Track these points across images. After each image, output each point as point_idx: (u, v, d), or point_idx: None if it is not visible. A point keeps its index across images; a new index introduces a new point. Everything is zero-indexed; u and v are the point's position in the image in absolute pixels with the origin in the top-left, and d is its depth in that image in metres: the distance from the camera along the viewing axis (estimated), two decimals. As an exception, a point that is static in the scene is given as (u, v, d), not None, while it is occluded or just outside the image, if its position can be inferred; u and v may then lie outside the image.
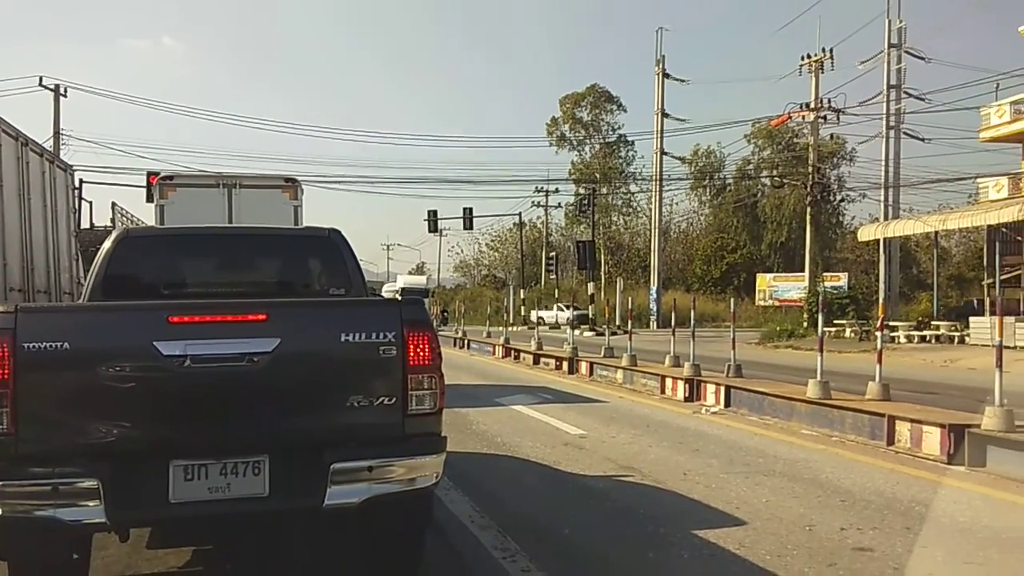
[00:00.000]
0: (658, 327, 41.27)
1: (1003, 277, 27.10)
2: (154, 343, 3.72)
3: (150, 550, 5.15)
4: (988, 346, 17.53)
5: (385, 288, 47.44)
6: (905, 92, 35.56)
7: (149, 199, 14.18)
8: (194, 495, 3.77)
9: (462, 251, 77.25)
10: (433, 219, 48.77)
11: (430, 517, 4.62)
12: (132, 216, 26.79)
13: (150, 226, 11.32)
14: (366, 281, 6.10)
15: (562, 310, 42.44)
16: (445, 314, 47.82)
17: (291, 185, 12.23)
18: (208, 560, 5.21)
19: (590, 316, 41.44)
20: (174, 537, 5.27)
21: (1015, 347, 20.69)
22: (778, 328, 32.01)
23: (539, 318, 41.63)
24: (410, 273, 76.67)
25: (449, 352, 23.98)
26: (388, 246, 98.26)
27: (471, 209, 48.72)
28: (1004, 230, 27.47)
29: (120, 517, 3.72)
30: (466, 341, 29.09)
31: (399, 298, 5.04)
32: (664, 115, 47.05)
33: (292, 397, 3.97)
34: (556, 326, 42.89)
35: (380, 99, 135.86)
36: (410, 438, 4.03)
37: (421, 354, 4.04)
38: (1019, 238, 25.64)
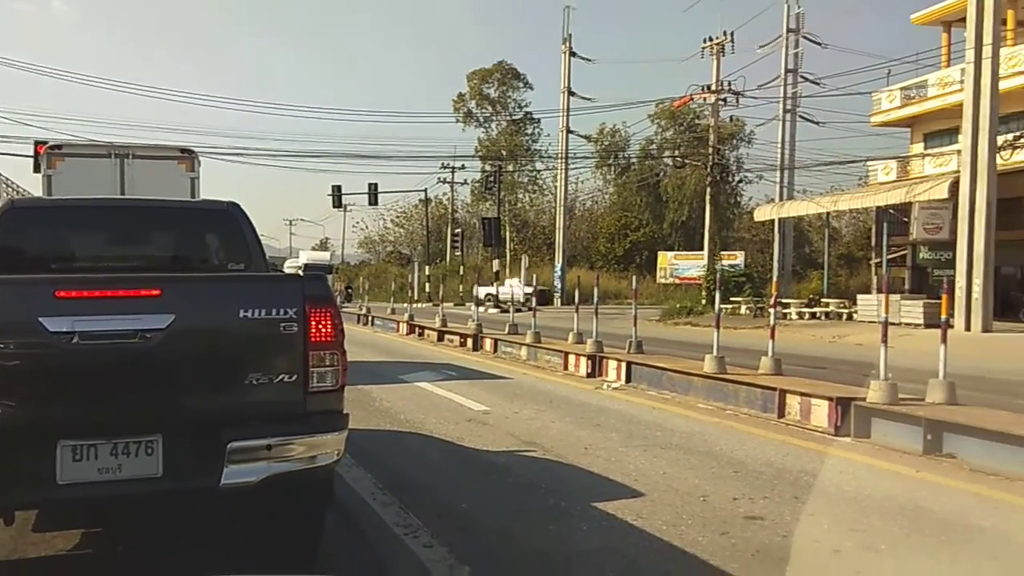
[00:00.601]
0: (562, 304, 41.72)
1: (890, 257, 28.40)
2: (40, 319, 3.57)
3: (37, 533, 4.96)
4: (874, 322, 18.35)
5: (287, 264, 46.58)
6: (801, 76, 36.76)
7: (36, 169, 13.50)
8: (83, 476, 3.65)
9: (367, 227, 76.30)
10: (337, 194, 48.15)
11: (331, 495, 4.59)
12: (17, 187, 25.53)
13: (37, 197, 10.82)
14: (267, 257, 5.98)
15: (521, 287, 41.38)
16: (349, 291, 47.23)
17: (187, 156, 11.84)
18: (99, 542, 5.06)
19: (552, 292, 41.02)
20: (63, 519, 5.09)
21: (900, 323, 21.72)
22: (678, 305, 32.77)
23: (488, 296, 38.03)
24: (313, 249, 75.36)
25: (352, 329, 23.72)
26: (291, 221, 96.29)
27: (376, 184, 48.24)
28: (892, 211, 28.70)
29: (4, 500, 3.58)
30: (370, 318, 28.83)
31: (301, 274, 4.96)
32: (570, 93, 47.35)
33: (187, 375, 3.87)
34: (504, 307, 36.29)
35: (283, 71, 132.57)
36: (311, 416, 3.98)
37: (323, 331, 3.98)
38: (905, 219, 26.83)
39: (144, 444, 3.72)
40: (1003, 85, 23.23)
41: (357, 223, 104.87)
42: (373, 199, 49.15)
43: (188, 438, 3.78)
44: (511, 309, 19.91)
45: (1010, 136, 25.85)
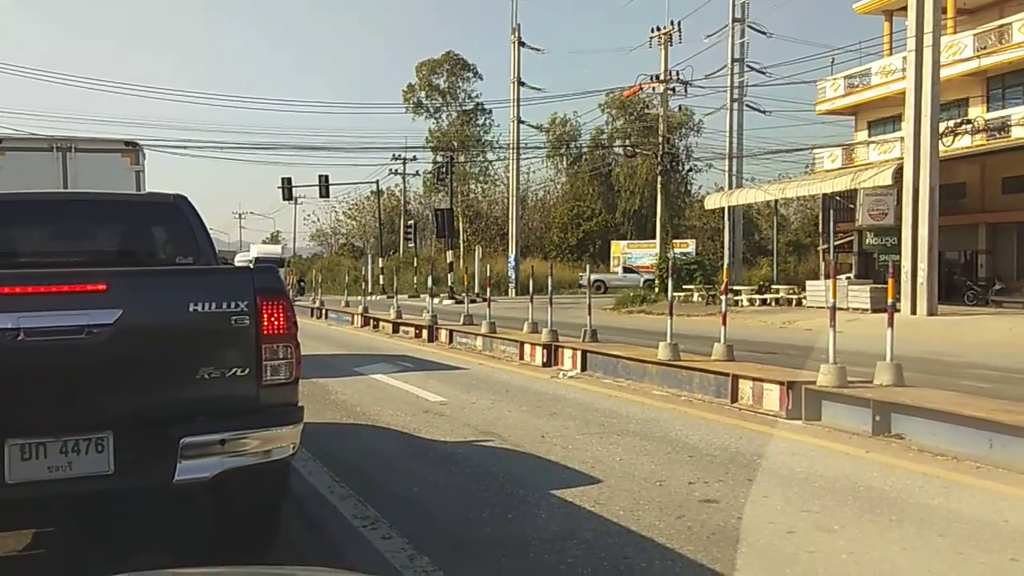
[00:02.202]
0: (517, 294, 41.79)
1: (837, 243, 28.88)
2: None
3: (-15, 535, 4.84)
4: (823, 308, 18.66)
5: (238, 257, 45.77)
6: (748, 65, 37.15)
7: (-26, 164, 13.15)
8: (33, 475, 3.57)
9: (318, 220, 75.74)
10: (287, 187, 47.58)
11: (286, 489, 4.55)
12: (-45, 182, 24.91)
13: None
14: (217, 250, 5.89)
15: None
16: (302, 284, 46.83)
17: (132, 149, 11.60)
18: (50, 542, 4.96)
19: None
20: (13, 519, 4.97)
21: (848, 308, 22.12)
22: (631, 294, 32.99)
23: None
24: (264, 242, 74.34)
25: (306, 322, 23.55)
26: (240, 214, 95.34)
27: (327, 177, 47.81)
28: (838, 198, 29.19)
29: None
30: (324, 311, 28.62)
31: (252, 266, 4.90)
32: (520, 83, 47.33)
33: (137, 370, 3.80)
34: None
35: (230, 62, 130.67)
36: (265, 409, 3.94)
37: (275, 323, 3.94)
38: (851, 206, 27.28)
39: (94, 441, 3.65)
40: (944, 73, 23.71)
41: (308, 216, 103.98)
42: (324, 191, 48.71)
43: (139, 434, 3.72)
44: (466, 300, 19.90)
45: (951, 123, 26.42)
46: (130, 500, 4.91)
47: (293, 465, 4.76)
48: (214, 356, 3.90)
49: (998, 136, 26.71)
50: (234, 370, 3.90)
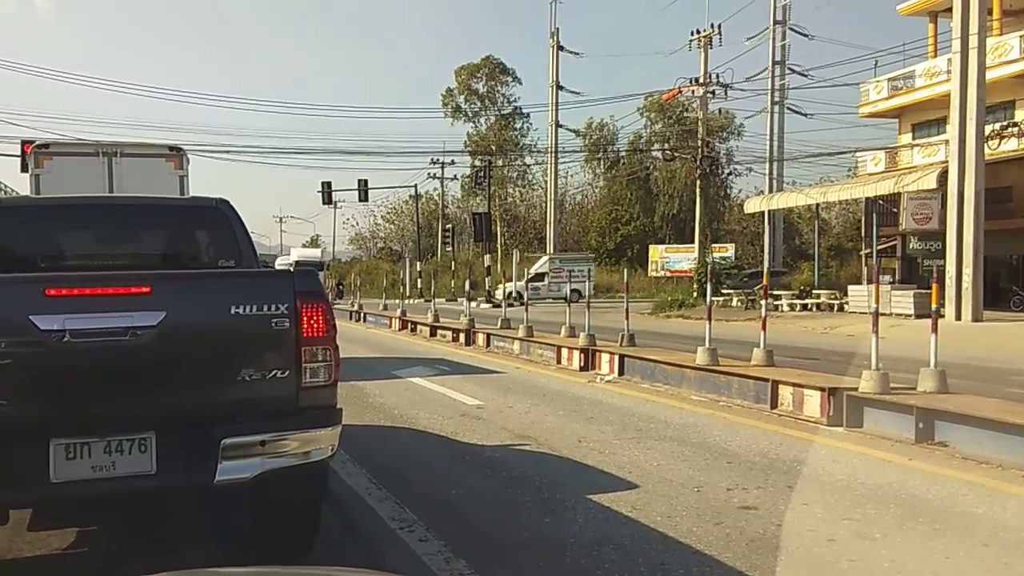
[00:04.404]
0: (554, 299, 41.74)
1: (880, 247, 28.44)
2: (30, 317, 3.55)
3: (32, 532, 4.94)
4: (865, 313, 18.42)
5: (278, 261, 46.39)
6: (789, 68, 36.89)
7: (24, 169, 13.42)
8: (77, 474, 3.63)
9: (357, 223, 76.32)
10: (327, 191, 48.02)
11: (325, 490, 4.59)
12: (6, 187, 25.47)
13: (25, 196, 10.76)
14: (258, 254, 5.96)
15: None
16: (341, 287, 47.21)
17: (176, 154, 11.78)
18: (94, 540, 5.05)
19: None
20: (58, 518, 5.07)
21: (890, 314, 21.81)
22: (669, 298, 32.79)
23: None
24: (304, 246, 75.24)
25: (345, 325, 23.70)
26: (281, 219, 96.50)
27: (366, 181, 48.15)
28: (881, 202, 28.79)
29: None
30: (362, 314, 28.80)
31: (292, 270, 4.95)
32: (559, 87, 47.38)
33: (179, 372, 3.86)
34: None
35: (271, 67, 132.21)
36: (304, 411, 3.98)
37: (315, 326, 3.98)
38: (895, 210, 26.90)
39: (137, 441, 3.71)
40: (990, 75, 23.30)
41: (348, 220, 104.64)
42: (363, 195, 49.07)
43: (181, 435, 3.78)
44: (503, 304, 19.92)
45: (997, 125, 25.94)
46: (172, 500, 4.98)
47: (332, 467, 4.80)
48: (255, 358, 3.95)
49: (1046, 139, 26.16)
50: (274, 372, 3.94)
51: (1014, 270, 28.82)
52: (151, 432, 3.73)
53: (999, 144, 25.71)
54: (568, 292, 36.36)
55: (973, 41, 21.84)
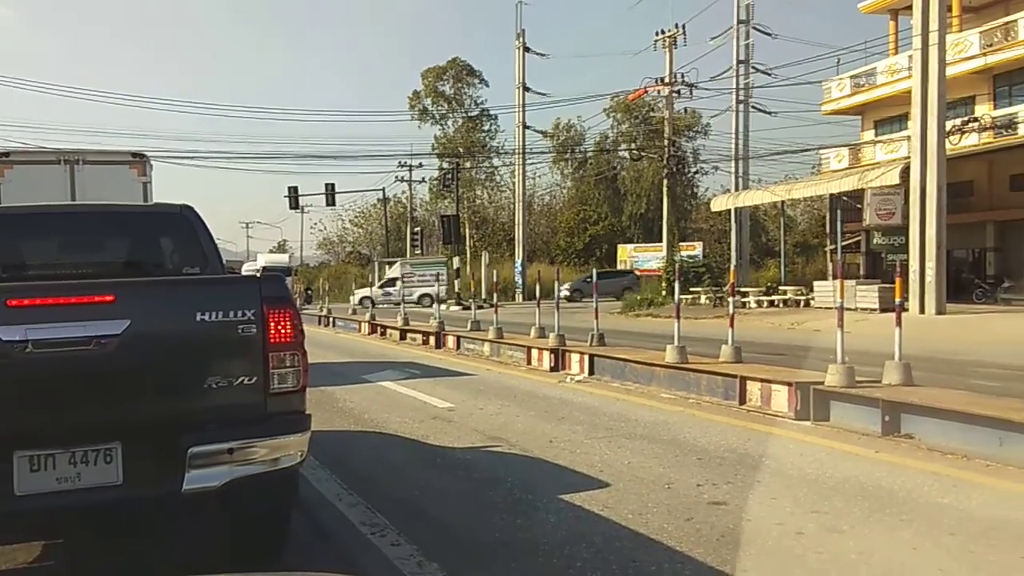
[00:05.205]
0: (524, 299, 41.81)
1: (844, 243, 28.82)
2: None
3: (-4, 547, 4.86)
4: (831, 308, 18.62)
5: (245, 267, 45.88)
6: (753, 67, 37.18)
7: (-16, 178, 13.22)
8: (42, 487, 3.59)
9: (325, 228, 75.98)
10: (294, 195, 47.85)
11: (295, 497, 4.56)
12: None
13: None
14: (224, 260, 5.92)
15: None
16: (309, 292, 46.89)
17: (139, 160, 11.67)
18: (60, 554, 4.98)
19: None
20: (23, 531, 4.99)
21: (856, 308, 22.07)
22: (639, 297, 32.97)
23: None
24: (271, 251, 74.48)
25: (314, 331, 23.58)
26: (247, 224, 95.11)
27: (334, 185, 48.04)
28: (845, 198, 29.12)
29: None
30: (331, 319, 28.67)
31: (258, 275, 4.91)
32: (525, 89, 47.48)
33: (145, 381, 3.82)
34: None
35: (235, 72, 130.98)
36: (273, 417, 3.96)
37: (282, 331, 3.96)
38: (858, 206, 27.23)
39: (103, 452, 3.67)
40: (950, 71, 23.69)
41: (315, 224, 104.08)
42: (331, 199, 48.93)
43: (148, 444, 3.74)
44: (473, 306, 19.93)
45: (958, 121, 26.37)
46: (139, 510, 4.93)
47: (302, 473, 4.78)
48: (222, 365, 3.92)
49: (1005, 133, 26.66)
50: (242, 379, 3.91)
51: (976, 263, 29.32)
52: (117, 442, 3.69)
53: (960, 139, 26.16)
54: (417, 296, 36.35)
55: (933, 38, 22.18)
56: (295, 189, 47.90)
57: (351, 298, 37.42)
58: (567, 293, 41.04)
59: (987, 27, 27.54)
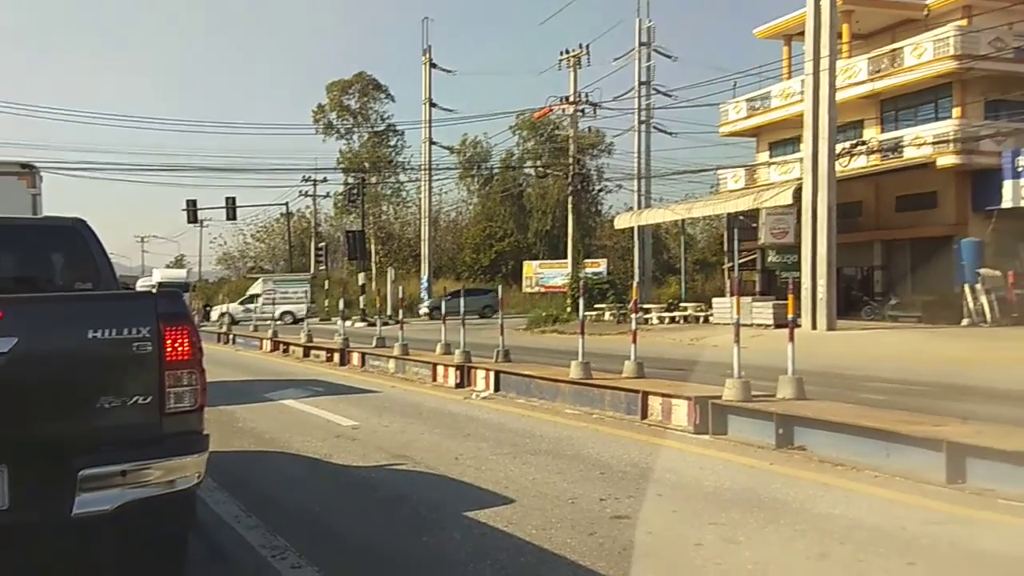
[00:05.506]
0: (431, 316, 41.65)
1: (741, 261, 29.70)
2: None
3: None
4: (729, 324, 19.16)
5: (140, 283, 44.56)
6: (654, 88, 38.08)
7: None
8: None
9: (225, 243, 73.86)
10: (193, 209, 46.70)
11: (192, 520, 4.44)
12: None
13: None
14: (118, 275, 5.74)
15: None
16: (208, 309, 45.74)
17: (28, 171, 11.18)
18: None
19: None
20: None
21: (752, 324, 22.73)
22: (544, 314, 33.24)
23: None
24: (168, 266, 72.37)
25: (213, 348, 23.01)
26: (143, 238, 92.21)
27: (234, 199, 47.14)
28: (742, 218, 30.05)
29: None
30: (231, 336, 28.00)
31: (154, 291, 4.78)
32: (432, 105, 47.55)
33: (33, 400, 3.68)
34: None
35: (132, 82, 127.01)
36: (168, 438, 3.85)
37: (179, 349, 3.86)
38: (755, 225, 28.10)
39: None
40: (840, 96, 24.73)
41: (215, 239, 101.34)
42: (231, 213, 47.97)
43: (36, 467, 3.60)
44: (378, 322, 19.78)
45: (848, 144, 27.52)
46: (28, 535, 4.71)
47: (199, 495, 4.65)
48: (115, 384, 3.80)
49: (891, 156, 27.94)
50: (136, 398, 3.80)
51: (864, 281, 30.57)
52: (3, 465, 3.54)
53: (849, 161, 27.27)
54: (278, 313, 36.14)
55: (824, 63, 23.13)
56: (194, 203, 46.85)
57: (212, 314, 36.81)
58: (426, 310, 41.47)
59: (875, 54, 28.88)
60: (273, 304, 33.01)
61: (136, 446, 3.78)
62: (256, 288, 42.42)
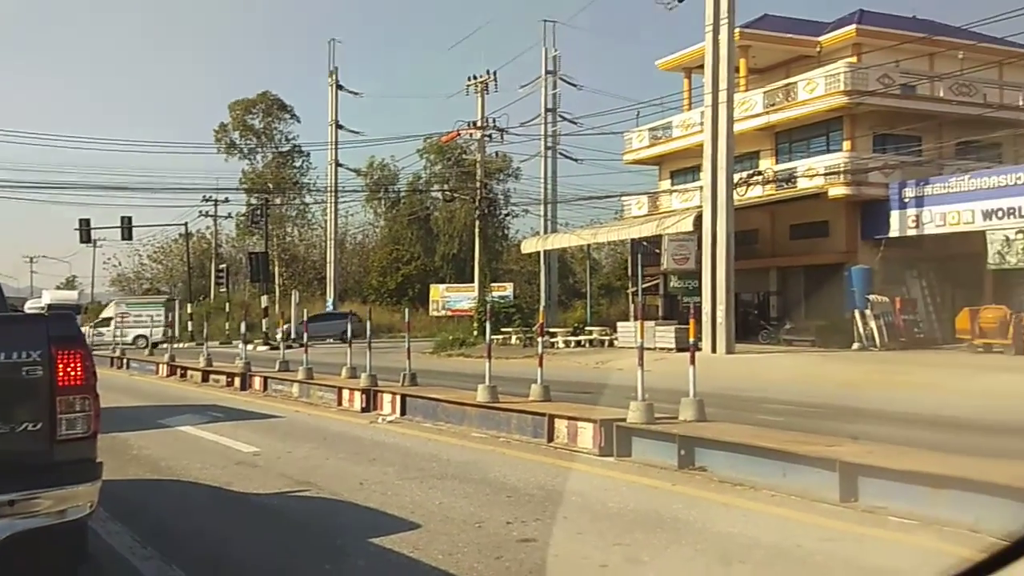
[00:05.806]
0: (336, 339, 41.04)
1: (645, 286, 30.25)
2: None
3: None
4: (633, 348, 19.46)
5: (28, 304, 42.95)
6: (560, 115, 38.66)
7: None
8: None
9: (120, 264, 71.28)
10: (86, 228, 45.03)
11: (84, 551, 4.26)
12: None
13: None
14: (5, 297, 5.50)
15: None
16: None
17: None
18: None
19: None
20: None
21: (655, 348, 23.13)
22: (451, 337, 33.14)
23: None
24: (58, 288, 69.65)
25: (105, 373, 22.12)
26: (31, 258, 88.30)
27: (130, 218, 45.61)
28: (645, 243, 30.64)
29: None
30: (125, 360, 27.02)
31: (45, 314, 4.60)
32: (338, 126, 47.14)
33: None
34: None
35: (19, 96, 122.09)
36: (59, 466, 3.70)
37: (72, 374, 3.72)
38: (657, 251, 28.68)
39: None
40: (737, 127, 25.55)
41: (109, 260, 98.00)
42: (127, 233, 46.43)
43: None
44: (281, 346, 19.40)
45: (744, 174, 28.43)
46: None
47: (91, 525, 4.47)
48: (3, 410, 3.64)
49: (785, 186, 28.93)
50: (25, 424, 3.65)
51: (761, 306, 31.52)
52: None
53: (746, 191, 28.16)
54: (131, 337, 35.47)
55: (722, 96, 23.89)
56: (87, 222, 45.15)
57: (274, 334, 35.17)
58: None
59: (770, 88, 29.95)
60: (121, 328, 32.26)
61: (25, 475, 3.62)
62: (109, 311, 41.17)
